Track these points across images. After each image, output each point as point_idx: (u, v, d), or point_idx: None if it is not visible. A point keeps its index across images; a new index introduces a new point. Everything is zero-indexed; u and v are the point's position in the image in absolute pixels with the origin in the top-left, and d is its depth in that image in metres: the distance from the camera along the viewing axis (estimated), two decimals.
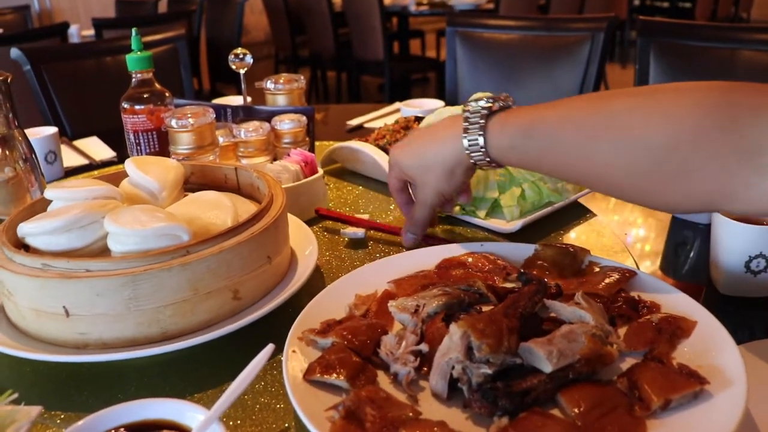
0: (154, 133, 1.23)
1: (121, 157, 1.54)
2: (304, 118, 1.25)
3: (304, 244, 0.91)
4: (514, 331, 0.64)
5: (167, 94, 1.25)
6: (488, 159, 0.81)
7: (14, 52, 1.96)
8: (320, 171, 1.12)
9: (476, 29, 2.25)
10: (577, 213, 1.10)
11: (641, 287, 0.80)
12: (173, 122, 1.13)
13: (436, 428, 0.58)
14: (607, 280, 0.80)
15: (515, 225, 1.01)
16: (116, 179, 0.93)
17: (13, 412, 0.63)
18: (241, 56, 1.36)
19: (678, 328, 0.70)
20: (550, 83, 2.12)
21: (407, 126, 1.33)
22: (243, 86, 1.46)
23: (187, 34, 2.51)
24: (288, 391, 0.62)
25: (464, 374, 0.61)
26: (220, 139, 1.21)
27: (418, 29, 6.75)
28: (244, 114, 1.31)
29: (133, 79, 1.23)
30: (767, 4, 8.05)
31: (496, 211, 1.05)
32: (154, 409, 0.58)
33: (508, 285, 0.81)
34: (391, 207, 1.16)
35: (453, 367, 0.62)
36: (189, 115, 1.13)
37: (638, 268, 0.92)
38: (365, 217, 1.08)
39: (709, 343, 0.68)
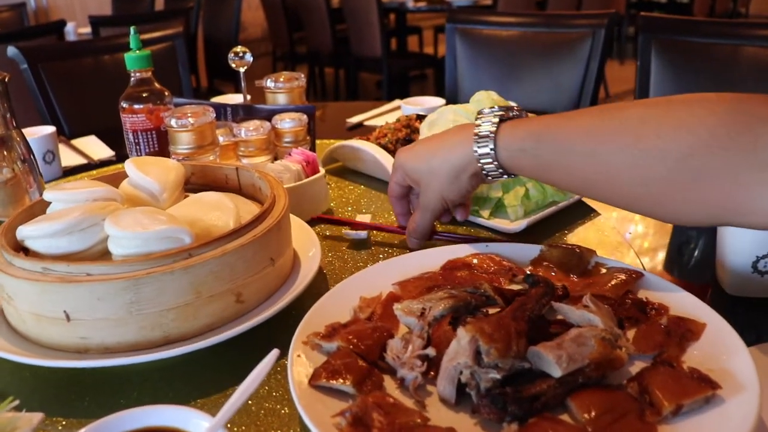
0: (154, 132, 1.22)
1: (120, 156, 1.53)
2: (304, 117, 1.24)
3: (307, 245, 0.90)
4: (522, 334, 0.63)
5: (166, 93, 1.23)
6: (497, 164, 0.80)
7: (11, 50, 1.94)
8: (322, 171, 1.11)
9: (476, 26, 2.24)
10: (581, 212, 1.09)
11: (648, 288, 0.79)
12: (173, 122, 1.12)
13: None
14: (614, 282, 0.79)
15: (519, 225, 1.00)
16: (116, 180, 0.92)
17: (14, 419, 0.62)
18: (240, 54, 1.35)
19: (687, 331, 0.70)
20: (551, 80, 2.11)
21: (408, 124, 1.32)
22: (243, 84, 1.45)
23: (185, 31, 2.50)
24: (294, 397, 0.61)
25: (472, 379, 0.60)
26: (221, 139, 1.20)
27: (415, 25, 6.74)
28: (244, 113, 1.30)
29: (132, 78, 1.22)
30: None
31: (500, 210, 1.04)
32: (158, 416, 0.57)
33: (514, 287, 0.80)
34: None
35: (461, 372, 0.61)
36: (189, 115, 1.12)
37: (644, 268, 0.92)
38: (367, 218, 1.07)
39: (720, 346, 0.67)
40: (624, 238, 1.01)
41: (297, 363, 0.66)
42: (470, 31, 2.24)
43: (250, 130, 1.18)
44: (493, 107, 0.82)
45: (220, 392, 0.70)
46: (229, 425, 0.64)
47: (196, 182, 1.01)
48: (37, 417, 0.63)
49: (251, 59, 1.37)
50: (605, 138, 0.71)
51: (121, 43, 2.15)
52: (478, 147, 0.80)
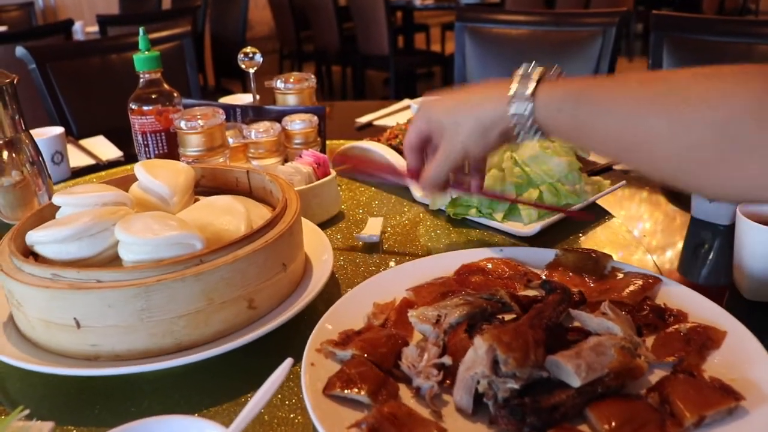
0: (163, 134, 1.21)
1: (128, 156, 1.52)
2: (315, 118, 1.23)
3: (319, 249, 0.89)
4: (540, 343, 0.62)
5: (175, 95, 1.22)
6: (531, 122, 0.75)
7: (19, 50, 1.94)
8: (333, 172, 1.10)
9: (486, 25, 2.22)
10: (595, 215, 1.08)
11: (666, 294, 0.78)
12: (182, 124, 1.11)
13: None
14: (631, 287, 0.77)
15: (533, 228, 0.98)
16: (126, 183, 0.91)
17: (25, 428, 0.62)
18: (250, 55, 1.34)
19: (708, 339, 0.68)
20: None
21: None
22: (252, 85, 1.44)
23: (192, 30, 2.49)
24: (308, 407, 0.60)
25: (490, 389, 0.59)
26: (230, 141, 1.19)
27: (422, 23, 6.72)
28: (254, 114, 1.29)
29: (141, 80, 1.21)
30: None
31: (514, 213, 1.03)
32: (171, 426, 0.56)
33: (530, 292, 0.79)
34: (405, 209, 1.14)
35: (478, 382, 0.60)
36: (198, 117, 1.11)
37: (659, 271, 0.90)
38: (379, 221, 1.06)
39: (741, 354, 0.66)
40: (641, 243, 1.00)
41: (310, 371, 0.65)
42: (479, 29, 2.22)
43: (260, 131, 1.17)
44: (531, 63, 0.77)
45: (232, 400, 0.69)
46: None
47: (206, 185, 1.00)
48: (47, 426, 0.63)
49: (261, 60, 1.36)
50: (649, 102, 0.68)
51: (130, 42, 2.15)
52: (513, 105, 0.76)
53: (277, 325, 0.73)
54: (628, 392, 0.62)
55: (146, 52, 1.19)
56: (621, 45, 6.89)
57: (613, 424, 0.57)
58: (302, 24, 5.91)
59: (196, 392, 0.71)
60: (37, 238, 0.76)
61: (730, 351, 0.67)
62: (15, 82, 1.04)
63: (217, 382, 0.72)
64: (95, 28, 3.76)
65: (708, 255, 1.00)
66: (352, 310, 0.76)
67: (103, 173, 1.44)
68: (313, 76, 1.38)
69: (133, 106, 1.20)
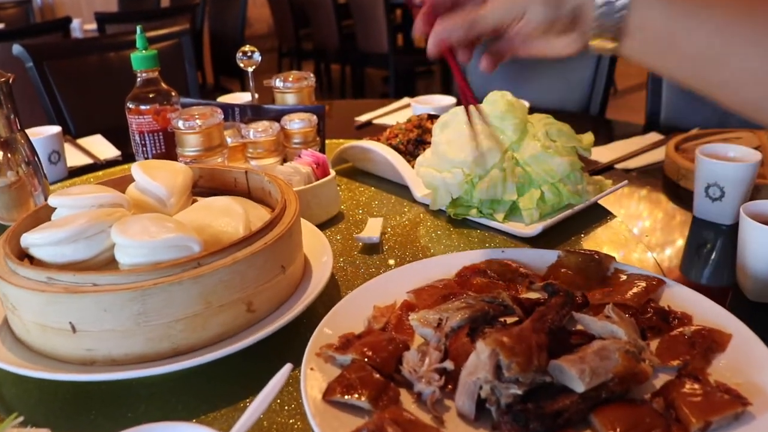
0: (161, 134, 1.20)
1: (126, 155, 1.51)
2: (314, 118, 1.22)
3: (318, 250, 0.88)
4: (543, 347, 0.61)
5: (173, 94, 1.21)
6: (620, 8, 0.64)
7: (16, 48, 1.93)
8: (332, 173, 1.08)
9: None
10: (597, 215, 1.07)
11: (670, 296, 0.77)
12: (180, 123, 1.10)
13: None
14: (634, 290, 0.76)
15: (535, 229, 0.97)
16: (122, 184, 0.90)
17: None
18: (249, 54, 1.33)
19: (713, 342, 0.67)
20: (561, 77, 2.08)
21: (420, 124, 1.29)
22: (251, 84, 1.42)
23: (191, 28, 2.48)
24: (308, 413, 0.59)
25: (493, 394, 0.58)
26: (228, 140, 1.18)
27: None
28: (253, 113, 1.28)
29: (138, 79, 1.20)
30: None
31: (515, 213, 1.02)
32: None
33: (532, 295, 0.78)
34: (405, 209, 1.13)
35: (480, 387, 0.59)
36: (196, 116, 1.10)
37: (661, 271, 0.89)
38: (379, 222, 1.05)
39: (747, 358, 0.65)
40: (643, 243, 0.99)
41: (310, 377, 0.64)
42: None
43: (259, 131, 1.16)
44: None
45: (230, 405, 0.68)
46: None
47: (204, 185, 0.99)
48: None
49: (260, 59, 1.34)
50: (750, 22, 0.61)
51: (128, 40, 2.13)
52: None
53: (276, 329, 0.72)
54: (633, 397, 0.61)
55: (143, 51, 1.18)
56: None
57: (618, 429, 0.56)
58: (301, 22, 5.90)
59: (194, 397, 0.70)
60: (32, 240, 0.75)
61: (736, 354, 0.66)
62: (10, 81, 1.02)
63: (215, 387, 0.71)
64: (93, 26, 3.75)
65: (710, 255, 0.99)
66: (351, 313, 0.75)
67: (100, 173, 1.43)
68: (312, 75, 1.36)
69: (131, 106, 1.19)
